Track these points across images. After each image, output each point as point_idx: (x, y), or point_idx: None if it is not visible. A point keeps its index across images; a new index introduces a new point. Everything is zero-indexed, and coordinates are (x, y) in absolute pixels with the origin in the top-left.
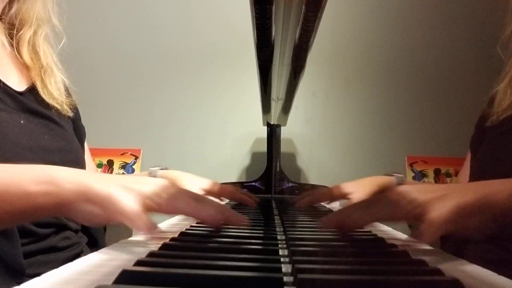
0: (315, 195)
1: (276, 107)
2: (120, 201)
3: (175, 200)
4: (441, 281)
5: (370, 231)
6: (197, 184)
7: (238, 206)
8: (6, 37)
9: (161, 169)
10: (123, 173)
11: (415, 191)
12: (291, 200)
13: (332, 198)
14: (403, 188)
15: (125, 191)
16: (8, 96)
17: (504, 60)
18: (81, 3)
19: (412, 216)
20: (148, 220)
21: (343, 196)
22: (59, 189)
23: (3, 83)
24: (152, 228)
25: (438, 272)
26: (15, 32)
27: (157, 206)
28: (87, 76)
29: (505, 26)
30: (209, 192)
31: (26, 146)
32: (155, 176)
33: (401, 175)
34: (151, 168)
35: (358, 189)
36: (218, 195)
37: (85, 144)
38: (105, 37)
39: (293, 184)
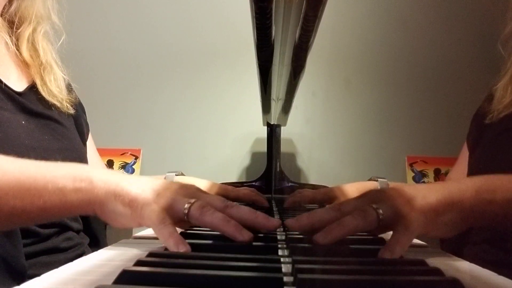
0: (302, 196)
1: (276, 107)
2: (150, 208)
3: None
4: (441, 281)
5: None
6: (212, 190)
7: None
8: (7, 35)
9: (177, 174)
10: (123, 173)
11: (380, 197)
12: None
13: (317, 202)
14: (368, 195)
15: (158, 196)
16: (9, 97)
17: (505, 57)
18: (81, 3)
19: (381, 226)
20: (174, 233)
21: (328, 200)
22: (92, 186)
23: (4, 84)
24: (178, 242)
25: (438, 272)
26: (14, 29)
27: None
28: (87, 76)
29: (505, 24)
30: (225, 197)
31: (29, 146)
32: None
33: (385, 180)
34: (167, 174)
35: (343, 194)
36: (234, 199)
37: (91, 139)
38: (105, 37)
39: (293, 184)
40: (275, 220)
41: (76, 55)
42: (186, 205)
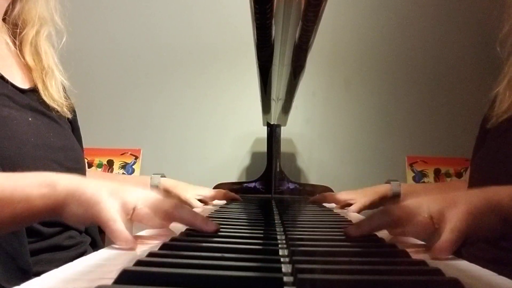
0: (323, 197)
1: (276, 107)
2: (102, 207)
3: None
4: (441, 281)
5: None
6: (192, 192)
7: (239, 205)
8: (10, 37)
9: (161, 176)
10: (123, 173)
11: (425, 203)
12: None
13: (337, 203)
14: (412, 203)
15: (110, 197)
16: (16, 95)
17: (502, 58)
18: (81, 3)
19: (428, 229)
20: (123, 231)
21: (346, 201)
22: (54, 191)
23: (11, 83)
24: (126, 240)
25: (438, 272)
26: (17, 32)
27: (140, 215)
28: (87, 76)
29: (502, 24)
30: (204, 198)
31: (34, 143)
32: (157, 182)
33: (397, 181)
34: (153, 175)
35: (360, 196)
36: (212, 198)
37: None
38: (105, 37)
39: (293, 184)
40: (213, 224)
41: (76, 55)
42: (132, 208)
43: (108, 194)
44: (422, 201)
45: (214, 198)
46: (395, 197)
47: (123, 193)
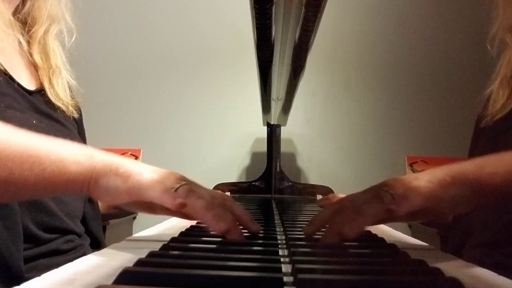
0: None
1: (276, 107)
2: (142, 177)
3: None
4: (441, 281)
5: (370, 231)
6: None
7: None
8: (20, 35)
9: None
10: None
11: (389, 182)
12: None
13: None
14: (378, 184)
15: (151, 172)
16: (21, 96)
17: (493, 56)
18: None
19: (398, 204)
20: (169, 191)
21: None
22: (91, 160)
23: (17, 83)
24: (175, 198)
25: (438, 272)
26: (26, 30)
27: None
28: (87, 76)
29: (493, 22)
30: None
31: None
32: None
33: None
34: None
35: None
36: None
37: None
38: (105, 37)
39: (293, 184)
40: (257, 226)
41: (76, 55)
42: (176, 185)
43: (149, 169)
44: (382, 182)
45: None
46: None
47: (163, 171)
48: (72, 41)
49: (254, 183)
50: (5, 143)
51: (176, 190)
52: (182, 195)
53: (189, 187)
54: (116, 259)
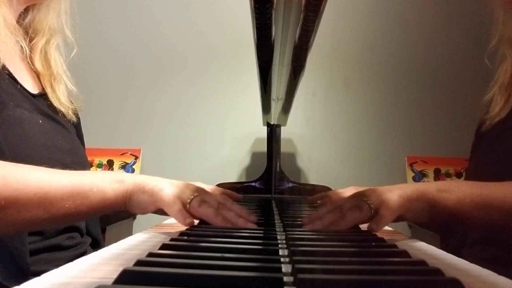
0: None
1: (276, 107)
2: (164, 192)
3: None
4: (441, 281)
5: (370, 231)
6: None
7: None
8: (22, 42)
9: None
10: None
11: (368, 193)
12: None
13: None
14: (353, 194)
15: (170, 186)
16: (25, 97)
17: (491, 68)
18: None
19: (374, 213)
20: (182, 210)
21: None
22: (124, 185)
23: (21, 86)
24: (185, 219)
25: (438, 272)
26: (28, 40)
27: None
28: (87, 76)
29: (491, 37)
30: None
31: (44, 144)
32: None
33: None
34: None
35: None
36: None
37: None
38: (105, 37)
39: (293, 184)
40: (253, 217)
41: (76, 55)
42: (190, 197)
43: (168, 184)
44: (363, 191)
45: None
46: None
47: (179, 184)
48: (72, 55)
49: (254, 183)
50: (57, 186)
51: (190, 201)
52: (195, 206)
53: (200, 198)
54: (116, 258)
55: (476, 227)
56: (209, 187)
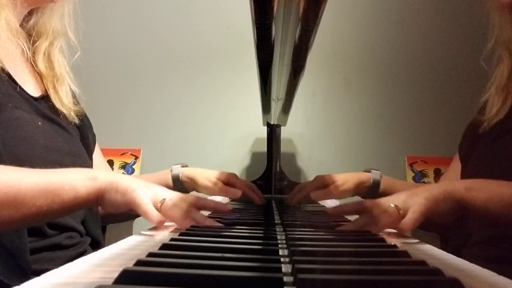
0: (304, 190)
1: (276, 107)
2: (137, 194)
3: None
4: (441, 281)
5: (369, 231)
6: (208, 177)
7: (239, 205)
8: (25, 44)
9: (182, 166)
10: (123, 173)
11: (395, 197)
12: (286, 200)
13: (317, 188)
14: (382, 200)
15: (144, 187)
16: (26, 100)
17: (487, 71)
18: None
19: (396, 217)
20: (155, 212)
21: (327, 185)
22: (96, 182)
23: (21, 88)
24: (158, 219)
25: (438, 272)
26: (31, 42)
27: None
28: (87, 76)
29: (487, 41)
30: (221, 182)
31: (43, 146)
32: (177, 173)
33: (378, 171)
34: (173, 166)
35: (340, 180)
36: (228, 185)
37: (98, 148)
38: (105, 37)
39: (293, 184)
40: (226, 210)
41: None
42: (161, 199)
43: (142, 185)
44: (390, 197)
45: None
46: (374, 186)
47: (154, 187)
48: (75, 57)
49: (254, 183)
50: (28, 185)
51: (161, 204)
52: (165, 208)
53: (172, 201)
54: (116, 258)
55: (506, 226)
56: (213, 173)
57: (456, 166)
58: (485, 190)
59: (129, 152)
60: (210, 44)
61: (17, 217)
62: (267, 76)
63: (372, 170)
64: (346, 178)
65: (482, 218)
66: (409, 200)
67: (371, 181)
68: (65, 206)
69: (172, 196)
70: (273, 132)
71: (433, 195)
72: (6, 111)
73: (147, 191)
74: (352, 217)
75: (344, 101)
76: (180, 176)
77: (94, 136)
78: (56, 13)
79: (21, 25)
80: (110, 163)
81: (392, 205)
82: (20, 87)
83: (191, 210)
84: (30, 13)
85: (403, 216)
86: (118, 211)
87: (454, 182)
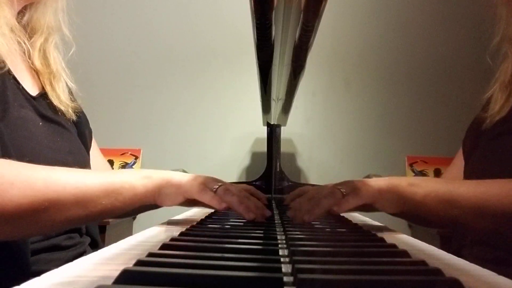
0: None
1: (276, 107)
2: (191, 183)
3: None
4: (441, 281)
5: (370, 231)
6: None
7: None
8: (21, 42)
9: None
10: None
11: (345, 183)
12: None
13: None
14: (330, 184)
15: (193, 179)
16: (27, 99)
17: (493, 67)
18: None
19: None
20: (215, 196)
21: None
22: (152, 180)
23: (22, 87)
24: (221, 205)
25: (438, 272)
26: (26, 39)
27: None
28: (87, 76)
29: (493, 36)
30: None
31: (47, 145)
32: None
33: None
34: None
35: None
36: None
37: (95, 144)
38: (105, 37)
39: (293, 184)
40: (267, 214)
41: (76, 55)
42: (216, 186)
43: (192, 178)
44: (340, 182)
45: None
46: None
47: (201, 178)
48: (71, 53)
49: (254, 183)
50: (93, 185)
51: (216, 190)
52: (221, 194)
53: (224, 187)
54: (116, 258)
55: (439, 222)
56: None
57: (458, 162)
58: (424, 187)
59: (129, 152)
60: (210, 44)
61: (84, 215)
62: (267, 76)
63: (373, 176)
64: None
65: (419, 212)
66: (354, 185)
67: None
68: (126, 203)
69: (223, 183)
70: (273, 132)
71: (378, 185)
72: (13, 110)
73: (200, 180)
74: (355, 215)
75: (344, 101)
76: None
77: (90, 131)
78: (49, 8)
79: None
80: (110, 163)
81: (339, 189)
82: (22, 86)
83: (244, 195)
84: (23, 9)
85: (346, 198)
86: (175, 203)
87: (401, 178)
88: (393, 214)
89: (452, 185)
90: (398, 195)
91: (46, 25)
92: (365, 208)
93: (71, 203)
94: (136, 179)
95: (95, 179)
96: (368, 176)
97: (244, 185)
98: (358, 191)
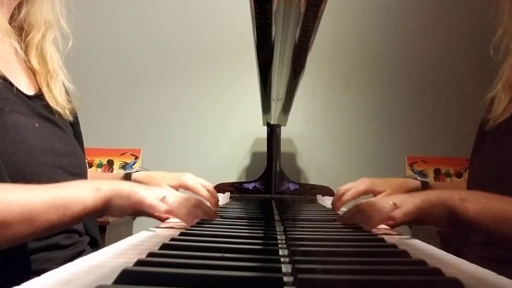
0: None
1: (276, 107)
2: (140, 195)
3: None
4: (441, 281)
5: (370, 231)
6: (167, 182)
7: (239, 205)
8: (16, 42)
9: (137, 171)
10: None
11: (394, 196)
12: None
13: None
14: (378, 199)
15: (144, 189)
16: (21, 100)
17: (496, 61)
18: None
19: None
20: (162, 204)
21: (376, 192)
22: (100, 192)
23: (16, 88)
24: (165, 209)
25: (438, 272)
26: (23, 36)
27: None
28: (87, 76)
29: (496, 28)
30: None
31: (41, 149)
32: (130, 177)
33: (425, 179)
34: (126, 171)
35: (389, 189)
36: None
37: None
38: (105, 37)
39: (293, 184)
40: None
41: (76, 55)
42: (162, 197)
43: (142, 188)
44: (390, 197)
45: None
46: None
47: (153, 188)
48: (68, 47)
49: (254, 183)
50: (39, 202)
51: (162, 200)
52: (168, 203)
53: (174, 199)
54: (116, 258)
55: (490, 238)
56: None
57: None
58: (477, 202)
59: (129, 152)
60: (210, 44)
61: (31, 232)
62: (267, 76)
63: (419, 179)
64: (393, 184)
65: (471, 228)
66: (406, 199)
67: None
68: (75, 217)
69: (174, 194)
70: (273, 132)
71: (428, 199)
72: (3, 116)
73: (149, 191)
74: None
75: (344, 101)
76: (132, 176)
77: (81, 134)
78: (46, 1)
79: (12, 19)
80: (110, 163)
81: (390, 202)
82: (16, 88)
83: (194, 208)
84: (20, 6)
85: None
86: (125, 215)
87: (452, 191)
88: (439, 227)
89: (506, 201)
90: (449, 210)
91: (44, 19)
92: (412, 222)
93: (16, 222)
94: (84, 192)
95: (41, 195)
96: (407, 177)
97: (195, 199)
98: (408, 205)
